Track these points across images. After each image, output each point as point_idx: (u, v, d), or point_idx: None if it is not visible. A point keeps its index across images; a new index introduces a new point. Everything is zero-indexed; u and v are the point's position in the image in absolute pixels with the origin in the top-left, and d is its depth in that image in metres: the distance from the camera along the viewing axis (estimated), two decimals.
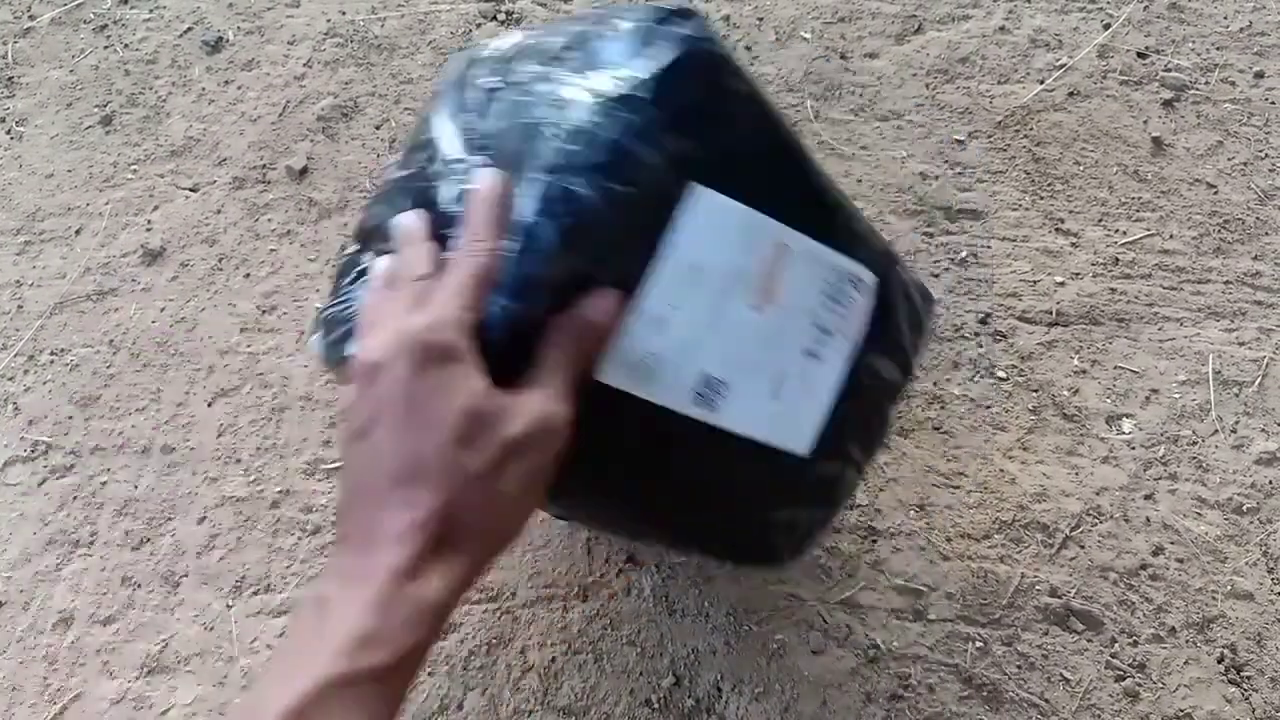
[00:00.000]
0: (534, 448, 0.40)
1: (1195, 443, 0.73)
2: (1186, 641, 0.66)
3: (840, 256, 0.49)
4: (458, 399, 0.39)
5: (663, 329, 0.44)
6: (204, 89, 0.97)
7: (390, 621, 0.37)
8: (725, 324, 0.45)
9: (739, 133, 0.47)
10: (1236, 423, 0.74)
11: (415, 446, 0.39)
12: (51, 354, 0.83)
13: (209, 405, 0.79)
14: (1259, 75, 0.92)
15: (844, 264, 0.49)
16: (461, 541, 0.39)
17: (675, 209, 0.44)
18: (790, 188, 0.49)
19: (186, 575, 0.72)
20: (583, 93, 0.45)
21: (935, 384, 0.77)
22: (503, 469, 0.39)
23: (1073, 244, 0.83)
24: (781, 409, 0.47)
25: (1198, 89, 0.91)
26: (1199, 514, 0.71)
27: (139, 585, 0.72)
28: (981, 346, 0.78)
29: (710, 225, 0.45)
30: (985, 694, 0.65)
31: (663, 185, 0.44)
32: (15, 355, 0.83)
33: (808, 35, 0.97)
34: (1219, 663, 0.65)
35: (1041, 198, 0.85)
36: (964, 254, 0.83)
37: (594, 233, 0.43)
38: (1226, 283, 0.80)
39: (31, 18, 1.04)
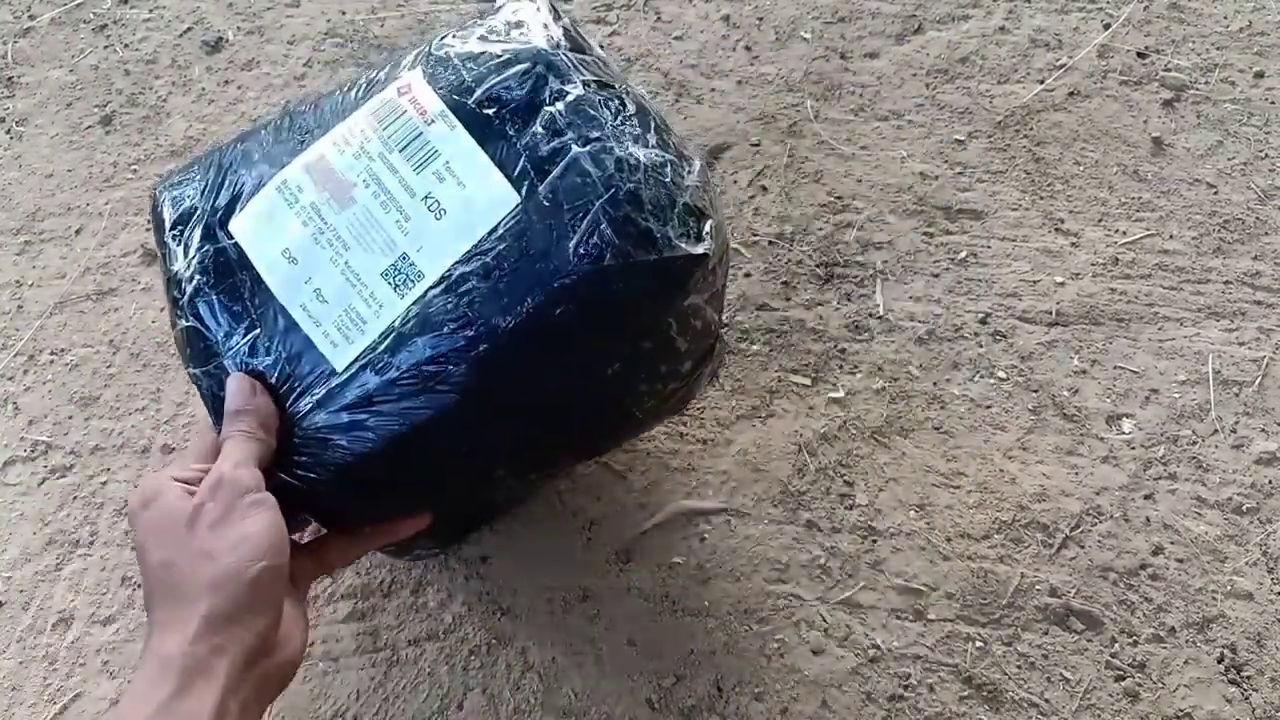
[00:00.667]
0: (222, 497, 0.46)
1: (1195, 443, 0.73)
2: (1186, 641, 0.66)
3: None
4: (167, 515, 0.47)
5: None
6: (204, 89, 0.97)
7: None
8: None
9: None
10: (1236, 423, 0.74)
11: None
12: (51, 354, 0.83)
13: None
14: (1259, 75, 0.92)
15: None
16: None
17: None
18: None
19: None
20: None
21: (935, 384, 0.77)
22: (216, 538, 0.45)
23: (1073, 244, 0.83)
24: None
25: (1198, 89, 0.91)
26: (1199, 514, 0.71)
27: (139, 585, 0.72)
28: (981, 346, 0.78)
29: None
30: (985, 694, 0.65)
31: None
32: (15, 355, 0.83)
33: (808, 35, 0.97)
34: (1219, 662, 0.65)
35: (1041, 198, 0.85)
36: (964, 254, 0.83)
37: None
38: (1226, 283, 0.80)
39: (31, 18, 1.04)
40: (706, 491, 0.72)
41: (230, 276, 0.51)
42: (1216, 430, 0.74)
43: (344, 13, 1.01)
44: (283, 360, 0.50)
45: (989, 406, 0.76)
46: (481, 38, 0.54)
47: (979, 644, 0.66)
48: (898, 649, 0.66)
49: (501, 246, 0.49)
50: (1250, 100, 0.90)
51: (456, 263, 0.49)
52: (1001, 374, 0.77)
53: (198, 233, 0.52)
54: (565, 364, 0.50)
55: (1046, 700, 0.64)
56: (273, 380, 0.50)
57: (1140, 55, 0.94)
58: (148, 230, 0.89)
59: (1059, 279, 0.81)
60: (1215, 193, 0.85)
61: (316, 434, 0.49)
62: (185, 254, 0.53)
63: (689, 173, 0.52)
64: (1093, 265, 0.82)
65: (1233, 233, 0.83)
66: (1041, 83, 0.92)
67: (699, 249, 0.50)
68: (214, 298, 0.51)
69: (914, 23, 0.97)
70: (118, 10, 1.04)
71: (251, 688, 0.44)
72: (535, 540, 0.71)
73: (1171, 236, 0.83)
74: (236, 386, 0.49)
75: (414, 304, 0.49)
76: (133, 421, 0.79)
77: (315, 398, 0.49)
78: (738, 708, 0.64)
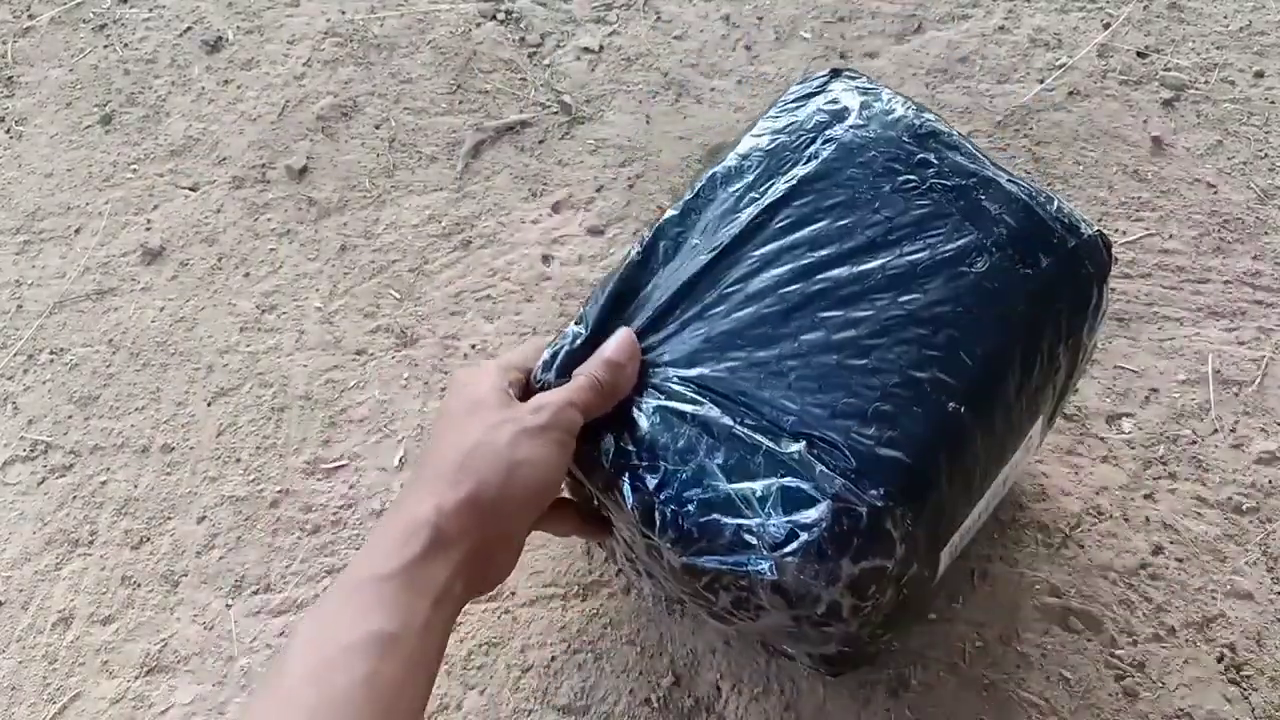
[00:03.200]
0: (542, 418, 0.47)
1: (1195, 442, 0.73)
2: (1186, 641, 0.66)
3: None
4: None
5: None
6: (203, 88, 0.97)
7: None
8: None
9: None
10: (1236, 422, 0.74)
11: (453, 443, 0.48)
12: (51, 353, 0.83)
13: (208, 405, 0.79)
14: (1259, 75, 0.92)
15: None
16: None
17: None
18: None
19: (186, 575, 0.72)
20: None
21: None
22: (517, 444, 0.46)
23: None
24: None
25: (1197, 88, 0.91)
26: (1199, 513, 0.71)
27: (138, 585, 0.72)
28: None
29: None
30: (985, 693, 0.65)
31: None
32: (15, 355, 0.83)
33: (808, 35, 0.97)
34: (1218, 662, 0.65)
35: None
36: None
37: None
38: (1226, 282, 0.80)
39: (31, 17, 1.04)
40: None
41: None
42: (1216, 430, 0.74)
43: (344, 12, 1.01)
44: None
45: None
46: None
47: (978, 643, 0.66)
48: (897, 649, 0.66)
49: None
50: (1250, 100, 0.90)
51: None
52: None
53: None
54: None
55: (1046, 700, 0.64)
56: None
57: (1140, 55, 0.94)
58: (147, 230, 0.89)
59: None
60: (1215, 192, 0.85)
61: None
62: None
63: None
64: None
65: (1233, 232, 0.83)
66: (1041, 82, 0.92)
67: None
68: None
69: (914, 22, 0.97)
70: (117, 10, 1.04)
71: (465, 583, 0.45)
72: (535, 540, 0.71)
73: (1171, 236, 0.83)
74: (623, 340, 0.51)
75: None
76: (132, 421, 0.79)
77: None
78: (737, 708, 0.64)
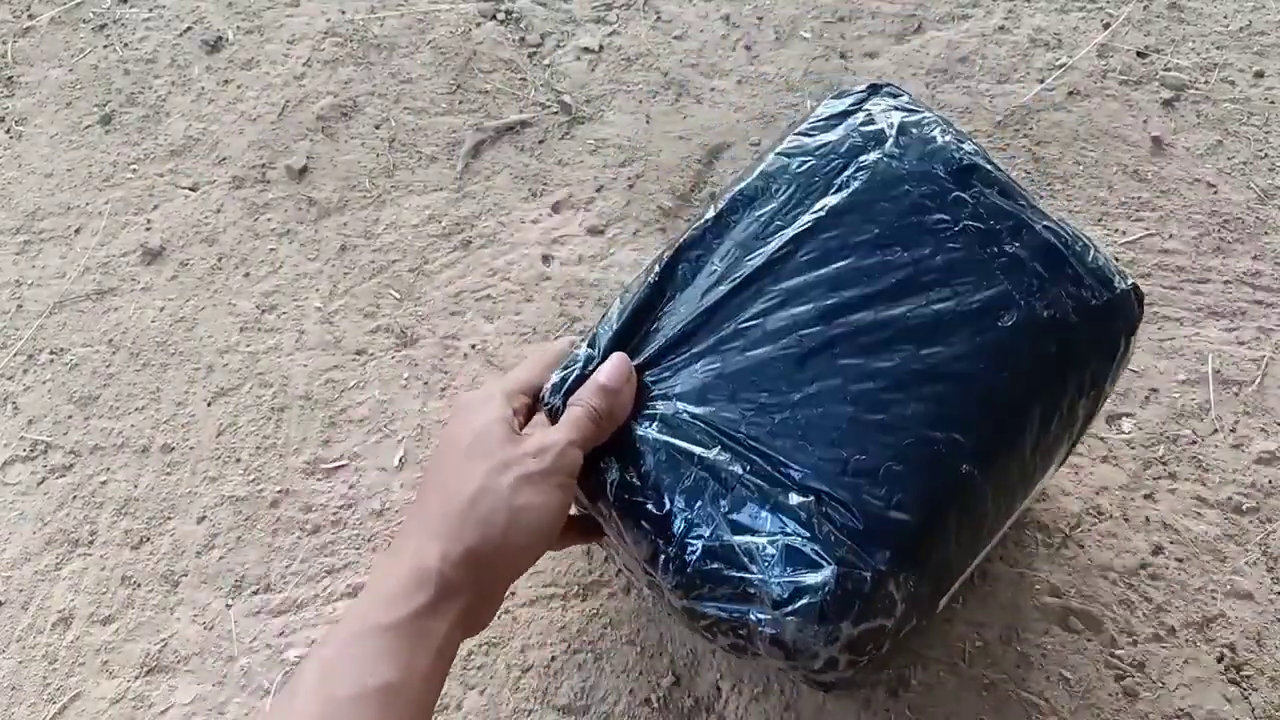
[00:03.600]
0: (543, 461, 0.47)
1: (1195, 442, 0.73)
2: (1186, 641, 0.66)
3: None
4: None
5: None
6: (203, 88, 0.97)
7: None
8: None
9: None
10: (1236, 422, 0.74)
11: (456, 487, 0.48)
12: (51, 353, 0.83)
13: (208, 405, 0.79)
14: (1259, 75, 0.92)
15: None
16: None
17: None
18: None
19: (186, 575, 0.72)
20: None
21: None
22: (518, 490, 0.46)
23: None
24: None
25: (1197, 88, 0.91)
26: (1198, 513, 0.71)
27: (138, 585, 0.72)
28: None
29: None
30: (985, 693, 0.65)
31: None
32: (15, 355, 0.83)
33: (808, 35, 0.97)
34: (1218, 662, 0.65)
35: (1041, 197, 0.85)
36: None
37: None
38: (1226, 282, 0.80)
39: (31, 17, 1.04)
40: None
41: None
42: (1216, 430, 0.74)
43: (344, 12, 1.01)
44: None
45: None
46: None
47: (978, 643, 0.66)
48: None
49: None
50: (1250, 100, 0.90)
51: None
52: None
53: None
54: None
55: (1046, 700, 0.64)
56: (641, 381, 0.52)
57: (1140, 55, 0.94)
58: (147, 230, 0.89)
59: None
60: (1215, 192, 0.85)
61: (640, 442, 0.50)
62: None
63: None
64: None
65: (1233, 232, 0.83)
66: (1041, 82, 0.92)
67: None
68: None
69: (914, 22, 0.97)
70: (117, 10, 1.04)
71: (462, 631, 0.46)
72: None
73: (1171, 236, 0.83)
74: (617, 366, 0.50)
75: None
76: (132, 421, 0.79)
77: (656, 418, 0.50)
78: (737, 708, 0.64)
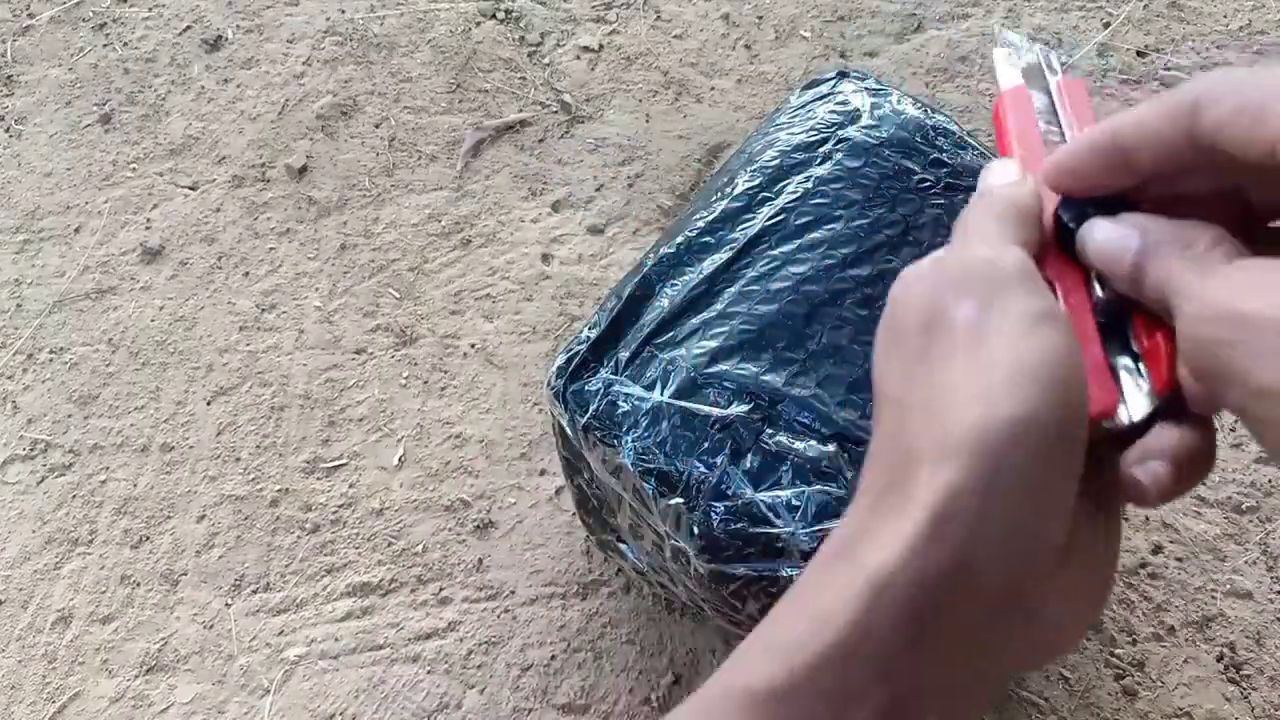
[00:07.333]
0: (973, 297, 0.27)
1: None
2: (1185, 640, 0.66)
3: None
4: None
5: None
6: (203, 87, 0.97)
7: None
8: None
9: None
10: (1236, 422, 0.74)
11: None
12: (50, 352, 0.83)
13: (208, 404, 0.79)
14: None
15: None
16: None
17: None
18: None
19: (185, 574, 0.72)
20: None
21: None
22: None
23: None
24: None
25: None
26: (1198, 512, 0.71)
27: (138, 584, 0.72)
28: None
29: None
30: None
31: None
32: (14, 354, 0.83)
33: (807, 34, 0.97)
34: (1218, 661, 0.65)
35: None
36: None
37: None
38: None
39: (30, 16, 1.04)
40: None
41: None
42: (1216, 429, 0.74)
43: (343, 11, 1.01)
44: None
45: None
46: None
47: None
48: None
49: None
50: None
51: None
52: None
53: None
54: None
55: (1045, 699, 0.64)
56: None
57: (1140, 54, 0.94)
58: (147, 229, 0.89)
59: None
60: None
61: None
62: None
63: None
64: None
65: None
66: None
67: None
68: None
69: (914, 21, 0.97)
70: (117, 9, 1.04)
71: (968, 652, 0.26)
72: (535, 540, 0.71)
73: None
74: (998, 166, 0.32)
75: None
76: (132, 420, 0.79)
77: None
78: None
